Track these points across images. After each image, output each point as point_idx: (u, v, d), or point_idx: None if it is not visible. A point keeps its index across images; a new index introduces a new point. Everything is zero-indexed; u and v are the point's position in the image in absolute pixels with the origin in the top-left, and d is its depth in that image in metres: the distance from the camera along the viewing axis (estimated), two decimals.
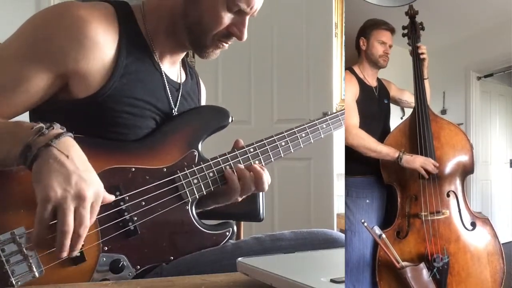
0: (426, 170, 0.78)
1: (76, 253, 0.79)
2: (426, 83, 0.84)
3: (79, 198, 0.76)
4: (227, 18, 0.98)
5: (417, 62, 0.84)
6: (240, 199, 1.07)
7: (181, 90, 1.10)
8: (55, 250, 0.77)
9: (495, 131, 0.93)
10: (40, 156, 0.77)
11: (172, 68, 1.11)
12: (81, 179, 0.77)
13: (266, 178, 1.03)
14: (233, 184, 1.01)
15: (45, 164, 0.76)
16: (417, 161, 0.79)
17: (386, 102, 0.95)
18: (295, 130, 1.12)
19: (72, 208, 0.76)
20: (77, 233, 0.77)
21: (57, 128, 0.82)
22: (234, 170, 1.01)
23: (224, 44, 1.04)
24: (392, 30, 0.90)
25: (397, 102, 0.96)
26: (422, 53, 0.82)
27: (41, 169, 0.77)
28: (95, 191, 0.79)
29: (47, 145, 0.78)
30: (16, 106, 0.92)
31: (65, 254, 0.77)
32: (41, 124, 0.81)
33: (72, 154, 0.79)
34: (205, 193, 1.00)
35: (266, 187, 1.03)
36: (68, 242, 0.76)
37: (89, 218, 0.78)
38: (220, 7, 0.97)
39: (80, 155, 0.81)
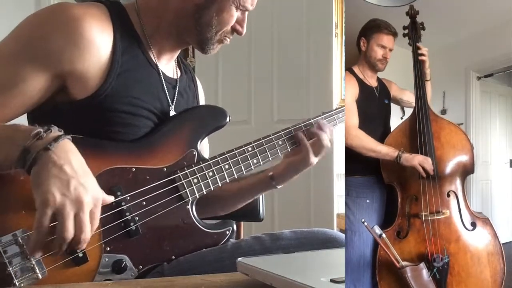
0: (424, 169, 0.78)
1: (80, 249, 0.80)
2: (428, 84, 0.84)
3: (78, 203, 0.76)
4: (235, 17, 1.03)
5: (417, 62, 0.83)
6: (315, 160, 1.11)
7: (177, 87, 1.10)
8: (54, 253, 0.78)
9: (495, 131, 0.92)
10: (38, 160, 0.77)
11: (168, 64, 1.11)
12: (79, 184, 0.77)
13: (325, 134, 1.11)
14: (303, 141, 1.09)
15: (44, 169, 0.76)
16: (416, 159, 0.79)
17: (386, 102, 0.95)
18: (292, 129, 1.13)
19: (72, 214, 0.76)
20: (78, 237, 0.77)
21: (55, 131, 0.81)
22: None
23: (227, 39, 1.08)
24: (394, 34, 0.89)
25: (398, 102, 0.96)
26: (422, 54, 0.82)
27: (40, 173, 0.76)
28: (93, 196, 0.79)
29: (45, 149, 0.77)
30: (13, 108, 0.91)
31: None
32: (39, 128, 0.80)
33: (70, 158, 0.79)
34: (205, 193, 1.00)
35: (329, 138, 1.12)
36: (65, 247, 0.77)
37: (90, 224, 0.78)
38: (230, 8, 1.02)
39: (78, 159, 0.80)
